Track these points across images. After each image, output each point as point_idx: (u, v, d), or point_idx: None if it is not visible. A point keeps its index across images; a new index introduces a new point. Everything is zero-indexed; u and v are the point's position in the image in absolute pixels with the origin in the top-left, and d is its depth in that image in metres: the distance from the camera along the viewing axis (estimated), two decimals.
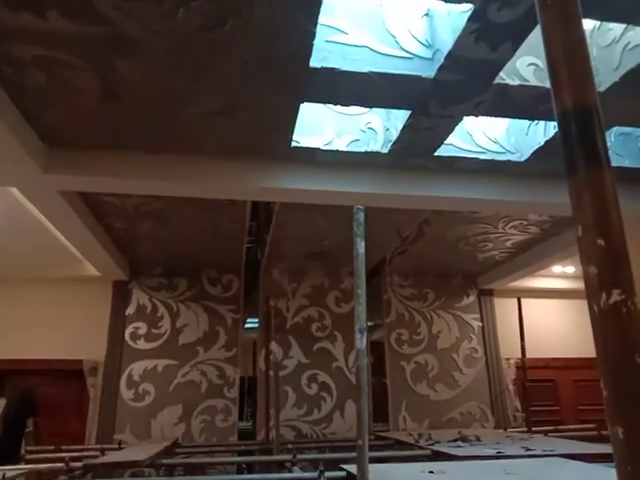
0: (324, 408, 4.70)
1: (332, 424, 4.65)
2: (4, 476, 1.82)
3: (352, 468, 2.01)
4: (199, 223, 3.87)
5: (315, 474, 2.02)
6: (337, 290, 5.13)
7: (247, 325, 6.93)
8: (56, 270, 4.61)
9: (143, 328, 4.70)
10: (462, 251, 4.61)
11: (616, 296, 0.50)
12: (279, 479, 2.18)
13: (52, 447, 3.86)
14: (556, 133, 2.81)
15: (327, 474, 2.01)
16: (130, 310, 4.75)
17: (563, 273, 5.34)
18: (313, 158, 2.85)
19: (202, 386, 4.62)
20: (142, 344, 4.64)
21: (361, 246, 2.16)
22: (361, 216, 2.21)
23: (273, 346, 4.28)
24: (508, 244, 4.44)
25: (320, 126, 2.81)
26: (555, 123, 2.58)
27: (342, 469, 2.21)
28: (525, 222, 3.98)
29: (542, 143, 2.87)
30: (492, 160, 3.01)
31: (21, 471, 2.52)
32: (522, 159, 2.99)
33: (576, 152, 0.56)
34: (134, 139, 2.67)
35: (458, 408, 4.88)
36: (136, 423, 4.40)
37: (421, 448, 3.21)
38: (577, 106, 0.58)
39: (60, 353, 4.55)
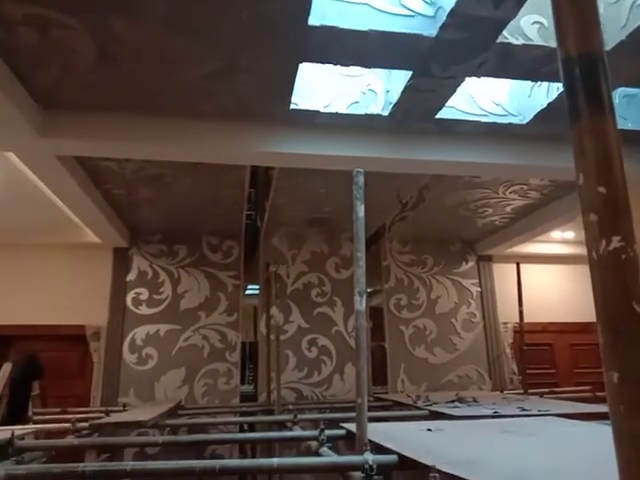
0: (324, 371, 4.79)
1: (332, 386, 4.74)
2: (13, 434, 1.87)
3: (352, 427, 2.06)
4: (198, 189, 3.85)
5: (316, 432, 2.07)
6: (336, 256, 5.15)
7: (248, 292, 7.00)
8: (56, 237, 4.61)
9: (144, 294, 4.74)
10: (462, 217, 4.61)
11: (616, 243, 0.50)
12: (281, 437, 2.24)
13: (58, 409, 3.95)
14: (559, 95, 2.76)
15: (327, 432, 2.06)
16: (131, 276, 4.78)
17: (562, 239, 5.35)
18: (312, 121, 2.81)
19: (204, 350, 4.69)
20: (144, 309, 4.69)
21: (361, 209, 2.16)
22: (360, 179, 2.20)
23: (274, 311, 4.33)
24: (508, 209, 4.43)
25: (319, 88, 2.77)
26: (558, 85, 2.53)
27: (342, 427, 2.27)
28: (526, 187, 3.97)
29: (545, 105, 2.83)
30: (494, 123, 2.97)
31: (30, 430, 2.59)
32: (524, 122, 2.95)
33: (580, 99, 0.55)
34: (131, 102, 2.63)
35: (456, 371, 4.97)
36: (140, 386, 4.49)
37: (419, 409, 3.28)
38: (582, 52, 0.56)
39: (63, 318, 4.60)
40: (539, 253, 5.42)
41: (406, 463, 1.51)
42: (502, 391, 4.68)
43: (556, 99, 2.74)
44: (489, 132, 3.06)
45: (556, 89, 2.77)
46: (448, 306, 5.17)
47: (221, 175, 3.55)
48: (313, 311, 4.97)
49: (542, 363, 5.15)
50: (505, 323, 5.21)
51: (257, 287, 5.63)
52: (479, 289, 5.26)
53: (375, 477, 1.42)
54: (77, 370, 4.71)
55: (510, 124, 2.99)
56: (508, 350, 5.12)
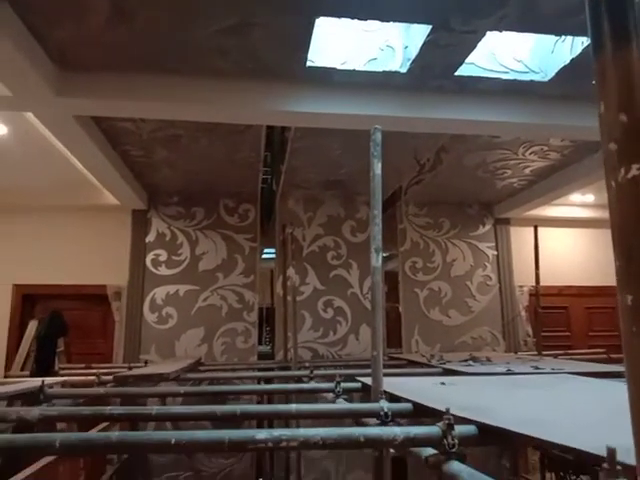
0: (339, 331, 4.87)
1: (347, 346, 4.83)
2: (43, 382, 1.97)
3: (367, 380, 2.11)
4: (215, 151, 3.86)
5: (332, 385, 2.12)
6: (352, 220, 5.15)
7: (264, 256, 7.07)
8: (76, 199, 4.69)
9: (163, 255, 4.83)
10: (480, 179, 4.56)
11: (635, 170, 0.50)
12: (298, 389, 2.31)
13: (83, 365, 4.11)
14: (584, 49, 2.68)
15: (343, 385, 2.12)
16: (150, 238, 4.86)
17: (582, 202, 5.28)
18: (329, 79, 2.78)
19: (222, 310, 4.79)
20: (163, 270, 4.79)
21: (378, 167, 2.15)
22: (378, 136, 2.18)
23: (290, 272, 4.38)
24: (527, 171, 4.36)
25: (336, 45, 2.72)
26: (583, 39, 2.44)
27: (357, 381, 2.32)
28: (546, 148, 3.89)
29: (568, 62, 2.75)
30: (515, 80, 2.90)
31: (57, 381, 2.71)
32: (546, 79, 2.88)
33: (604, 28, 0.54)
34: (147, 60, 2.62)
35: (470, 333, 5.02)
36: (161, 344, 4.63)
37: (433, 366, 3.34)
38: None
39: (85, 279, 4.72)
40: (557, 216, 5.36)
41: (420, 411, 1.55)
42: (516, 352, 4.72)
43: (580, 54, 2.66)
44: (510, 90, 2.99)
45: (581, 44, 2.68)
46: (464, 269, 5.18)
47: (237, 136, 3.55)
48: (329, 273, 5.02)
49: (557, 326, 5.17)
50: (521, 286, 5.20)
51: (273, 251, 5.69)
52: (495, 252, 5.25)
53: (390, 423, 1.47)
54: (100, 329, 4.86)
55: (531, 81, 2.92)
56: (523, 313, 5.14)
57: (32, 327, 4.40)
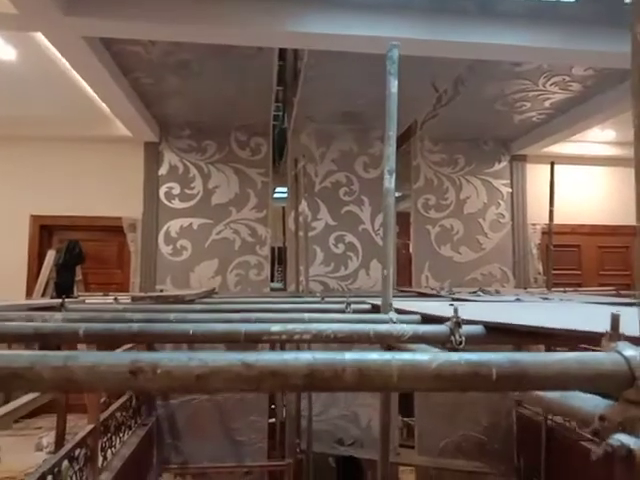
0: (350, 266, 4.93)
1: (357, 280, 4.91)
2: (64, 298, 2.05)
3: (377, 301, 2.16)
4: (225, 78, 3.78)
5: (342, 305, 2.17)
6: (365, 155, 5.09)
7: (276, 195, 7.07)
8: (89, 129, 4.67)
9: (176, 188, 4.85)
10: (498, 112, 4.43)
11: None
12: (309, 309, 2.37)
13: (101, 293, 4.24)
14: None
15: (353, 306, 2.17)
16: (162, 171, 4.87)
17: (600, 139, 5.14)
18: None
19: (235, 243, 4.86)
20: (177, 203, 4.83)
21: (394, 85, 2.10)
22: (395, 53, 2.12)
23: (302, 205, 4.38)
24: (547, 104, 4.23)
25: None
26: None
27: (367, 303, 2.38)
28: (567, 78, 3.75)
29: None
30: (539, 2, 2.76)
31: (77, 301, 2.81)
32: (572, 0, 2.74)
33: None
34: None
35: (480, 269, 5.05)
36: (176, 275, 4.74)
37: (442, 297, 3.39)
38: None
39: (100, 210, 4.78)
40: (575, 154, 5.24)
41: (428, 322, 1.59)
42: (525, 289, 4.77)
43: None
44: (534, 12, 2.86)
45: None
46: (477, 206, 5.14)
47: (248, 61, 3.46)
48: (341, 209, 5.02)
49: (568, 264, 5.18)
50: (534, 224, 5.18)
51: (285, 190, 5.68)
52: (510, 190, 5.19)
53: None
54: (116, 260, 4.97)
55: (557, 2, 2.78)
56: (535, 251, 5.14)
57: (51, 256, 4.52)
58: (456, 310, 1.17)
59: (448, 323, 1.17)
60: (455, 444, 4.79)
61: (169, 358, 0.59)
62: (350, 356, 0.61)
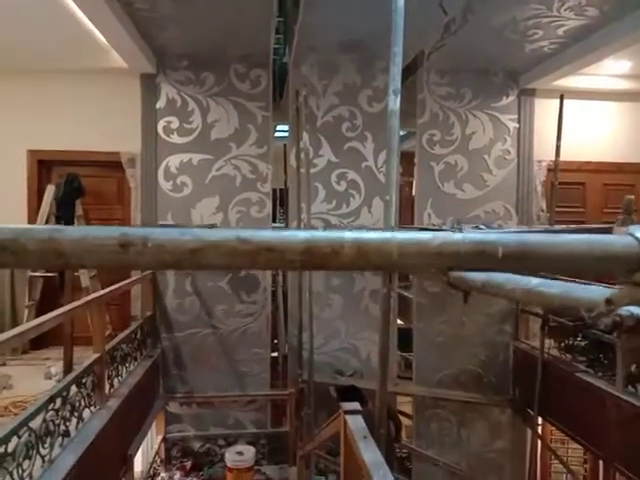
0: (352, 204, 4.89)
1: (360, 218, 4.88)
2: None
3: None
4: (223, 4, 3.59)
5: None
6: (369, 88, 4.93)
7: (276, 134, 6.92)
8: (84, 60, 4.49)
9: (175, 122, 4.73)
10: (508, 41, 4.23)
11: None
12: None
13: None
14: None
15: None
16: (160, 104, 4.73)
17: (613, 73, 4.94)
18: None
19: (236, 180, 4.80)
20: (175, 138, 4.73)
21: None
22: None
23: (304, 138, 4.29)
24: (560, 32, 4.03)
25: None
26: None
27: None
28: (583, 2, 3.55)
29: None
30: None
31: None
32: None
33: None
34: None
35: (483, 207, 5.01)
36: (177, 211, 4.71)
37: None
38: None
39: (98, 145, 4.69)
40: (585, 88, 5.05)
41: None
42: (528, 225, 4.75)
43: None
44: None
45: None
46: (482, 142, 5.03)
47: None
48: (343, 145, 4.92)
49: (572, 202, 5.13)
50: (539, 161, 5.08)
51: (286, 128, 5.54)
52: (517, 125, 5.05)
53: None
54: (116, 195, 4.93)
55: None
56: (539, 188, 5.08)
57: (50, 191, 4.48)
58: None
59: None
60: (452, 376, 4.94)
61: (161, 232, 0.56)
62: (349, 234, 0.59)
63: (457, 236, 0.59)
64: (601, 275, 0.63)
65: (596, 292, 0.65)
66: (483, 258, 0.57)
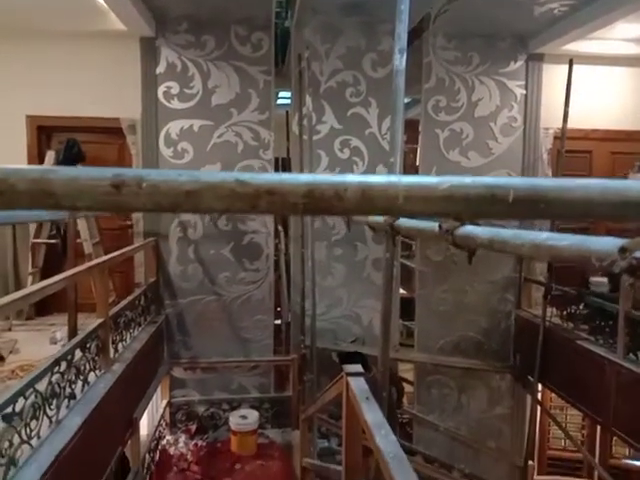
0: (356, 171, 4.83)
1: None
2: None
3: None
4: None
5: None
6: (374, 52, 4.81)
7: (278, 102, 6.80)
8: (81, 22, 4.38)
9: (175, 88, 4.65)
10: (517, 4, 4.11)
11: None
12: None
13: None
14: None
15: None
16: (160, 69, 4.63)
17: (624, 37, 4.79)
18: None
19: (238, 147, 4.74)
20: (176, 104, 4.65)
21: None
22: None
23: (307, 104, 4.21)
24: None
25: None
26: None
27: None
28: None
29: None
30: None
31: None
32: None
33: None
34: None
35: (488, 175, 4.94)
36: None
37: None
38: None
39: (98, 111, 4.61)
40: (595, 53, 4.91)
41: None
42: None
43: None
44: None
45: None
46: (489, 109, 4.93)
47: None
48: (347, 112, 4.83)
49: (579, 170, 5.05)
50: (546, 129, 4.99)
51: (288, 96, 5.43)
52: (524, 92, 4.94)
53: None
54: (117, 162, 4.87)
55: None
56: (545, 156, 5.00)
57: (50, 157, 4.43)
58: None
59: None
60: (453, 344, 4.98)
61: (157, 173, 0.54)
62: (353, 177, 0.56)
63: (466, 179, 0.56)
64: (615, 221, 0.60)
65: (609, 242, 0.63)
66: (493, 202, 0.54)
